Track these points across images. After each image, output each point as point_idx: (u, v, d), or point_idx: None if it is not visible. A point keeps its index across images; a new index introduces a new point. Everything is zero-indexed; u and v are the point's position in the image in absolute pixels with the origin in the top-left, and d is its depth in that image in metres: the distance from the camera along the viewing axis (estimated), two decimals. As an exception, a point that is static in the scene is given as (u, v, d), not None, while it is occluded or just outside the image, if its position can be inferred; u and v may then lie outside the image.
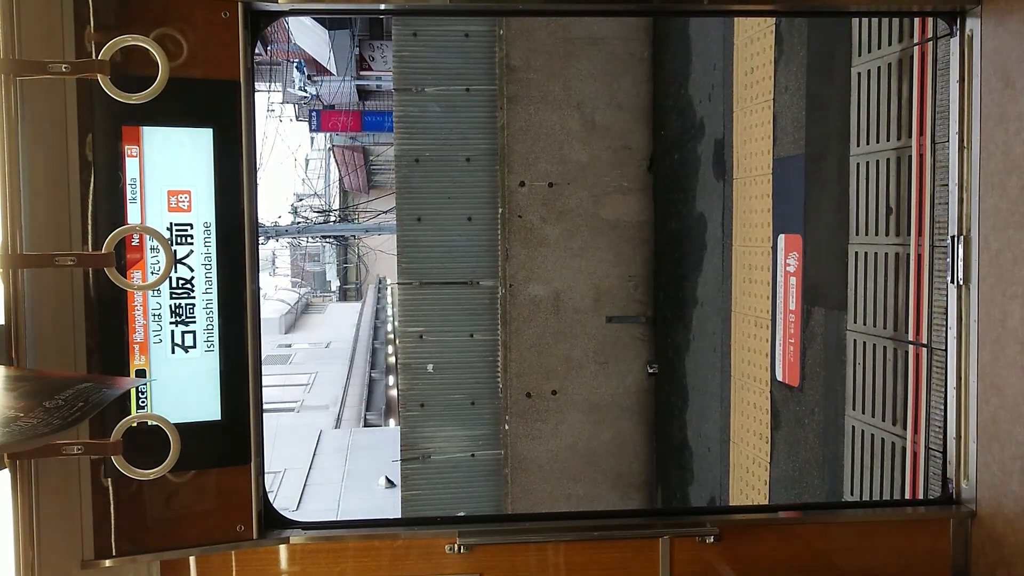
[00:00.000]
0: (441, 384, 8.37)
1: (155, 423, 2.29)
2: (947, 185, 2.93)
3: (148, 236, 2.39)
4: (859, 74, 5.07)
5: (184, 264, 2.49)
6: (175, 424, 2.29)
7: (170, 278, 2.43)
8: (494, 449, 8.37)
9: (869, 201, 4.98)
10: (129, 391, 2.42)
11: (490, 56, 8.17)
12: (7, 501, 2.14)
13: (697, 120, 7.57)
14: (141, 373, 2.47)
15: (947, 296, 2.93)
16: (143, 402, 2.48)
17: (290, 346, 25.79)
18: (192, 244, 2.50)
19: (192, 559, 2.63)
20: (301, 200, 27.43)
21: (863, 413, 5.06)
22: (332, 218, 22.63)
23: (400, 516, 8.77)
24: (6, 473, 2.12)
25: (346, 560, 2.73)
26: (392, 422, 18.85)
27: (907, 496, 4.63)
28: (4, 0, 2.15)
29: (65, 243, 2.35)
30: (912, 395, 4.59)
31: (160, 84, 2.21)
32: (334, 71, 20.21)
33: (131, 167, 2.44)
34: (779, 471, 6.14)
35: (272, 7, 2.61)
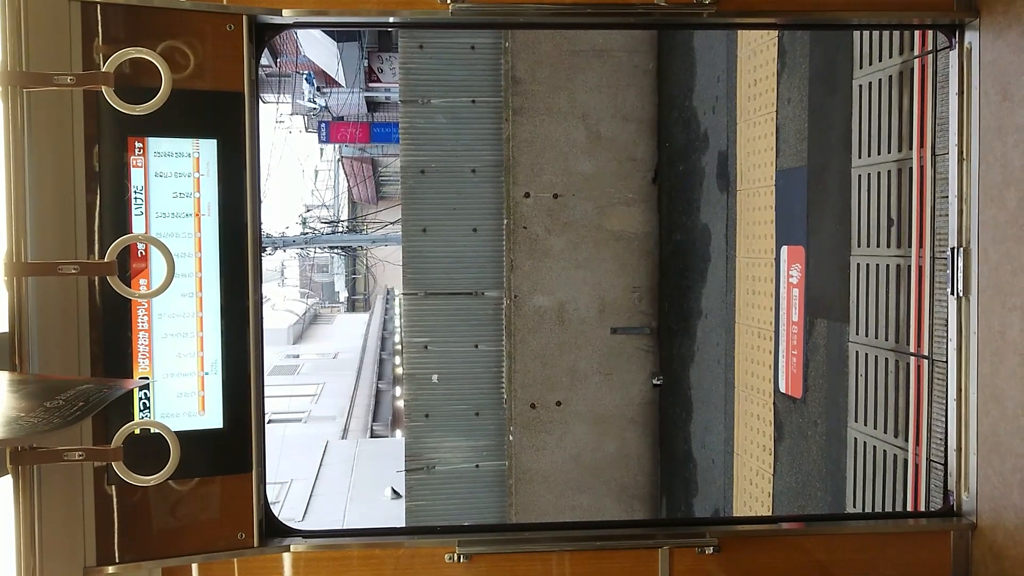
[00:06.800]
0: (446, 395, 8.38)
1: (156, 430, 2.31)
2: (947, 197, 2.94)
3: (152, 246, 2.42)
4: (860, 86, 5.09)
5: (187, 273, 2.51)
6: (177, 432, 2.31)
7: (173, 287, 2.45)
8: (498, 460, 8.37)
9: (871, 213, 4.99)
10: (130, 393, 2.44)
11: (496, 68, 8.22)
12: (9, 507, 2.15)
13: (701, 132, 7.60)
14: (144, 381, 2.50)
15: (947, 308, 2.94)
16: (146, 409, 2.50)
17: (298, 356, 25.79)
18: (196, 253, 2.53)
19: (194, 567, 2.65)
20: (309, 211, 27.52)
21: (865, 425, 5.05)
22: (339, 229, 22.71)
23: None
24: (8, 479, 2.14)
25: (348, 569, 2.74)
26: (399, 433, 18.83)
27: (909, 508, 4.61)
28: (12, 13, 2.19)
29: (70, 252, 2.38)
30: (914, 407, 4.58)
31: (163, 96, 2.25)
32: (343, 83, 20.31)
33: (136, 177, 2.47)
34: (782, 483, 6.13)
35: (276, 20, 2.65)
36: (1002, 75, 2.68)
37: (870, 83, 5.00)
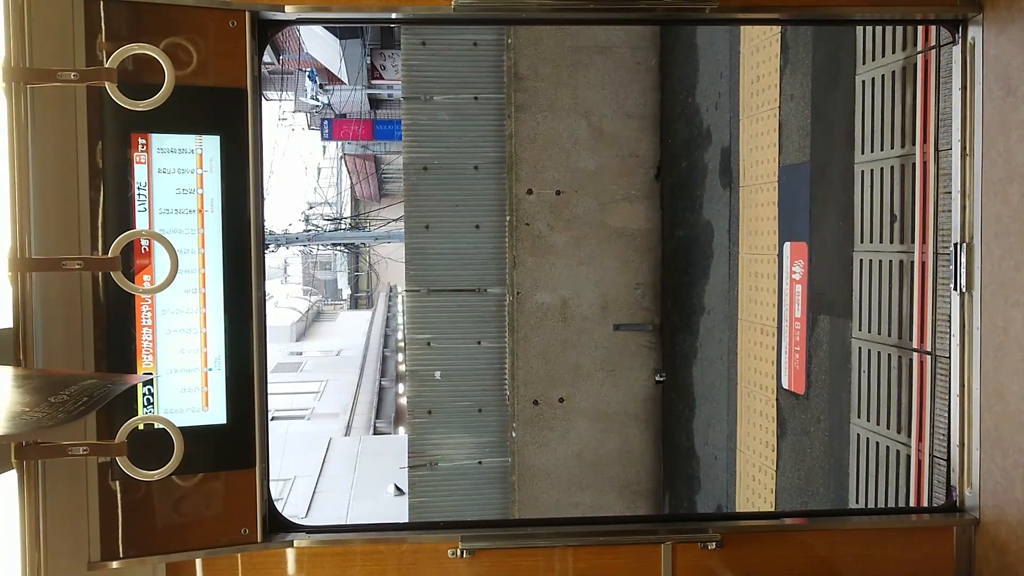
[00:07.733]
0: (448, 391, 8.38)
1: (160, 425, 2.32)
2: (950, 193, 2.94)
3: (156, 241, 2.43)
4: (863, 82, 5.08)
5: (191, 270, 2.52)
6: (181, 428, 2.31)
7: (176, 283, 2.45)
8: (501, 457, 8.37)
9: (874, 209, 4.98)
10: (134, 388, 2.45)
11: (498, 65, 8.21)
12: (14, 502, 2.16)
13: (704, 128, 7.59)
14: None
15: (950, 304, 2.94)
16: (149, 405, 2.51)
17: (301, 354, 25.82)
18: (199, 250, 2.54)
19: (198, 562, 2.66)
20: (312, 208, 27.54)
21: (868, 421, 5.04)
22: (342, 226, 22.72)
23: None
24: (13, 474, 2.15)
25: (351, 564, 2.75)
26: (402, 430, 18.85)
27: (912, 504, 4.61)
28: (16, 10, 2.20)
29: (74, 248, 2.39)
30: (916, 403, 4.58)
31: (166, 92, 2.25)
32: (346, 80, 20.31)
33: (139, 173, 2.48)
34: (785, 479, 6.13)
35: (279, 16, 2.65)
36: (1005, 70, 2.67)
37: (873, 79, 4.99)
